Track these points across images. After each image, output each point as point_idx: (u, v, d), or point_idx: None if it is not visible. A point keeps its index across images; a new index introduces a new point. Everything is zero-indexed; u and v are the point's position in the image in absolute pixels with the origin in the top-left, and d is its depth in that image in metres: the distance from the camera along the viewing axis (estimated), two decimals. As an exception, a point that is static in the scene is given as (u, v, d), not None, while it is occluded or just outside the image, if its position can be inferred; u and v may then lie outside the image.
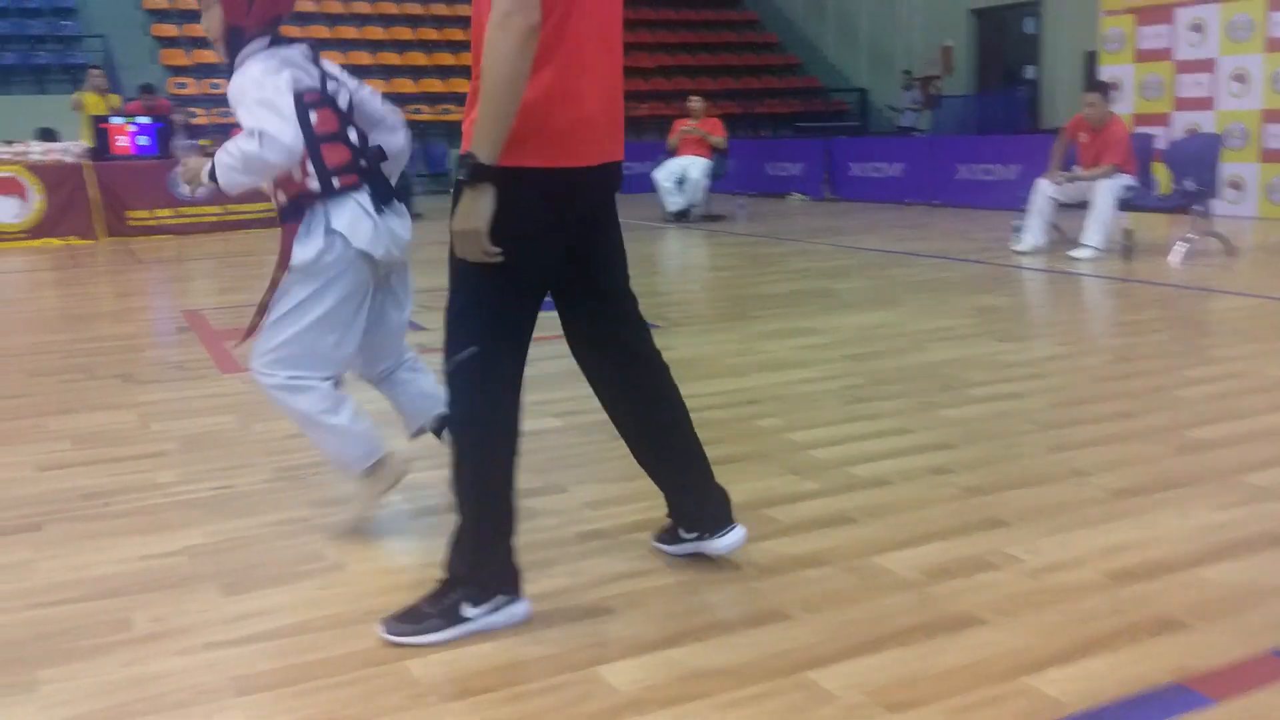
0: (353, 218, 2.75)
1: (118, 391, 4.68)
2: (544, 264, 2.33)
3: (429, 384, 3.05)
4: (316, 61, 2.83)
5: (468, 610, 2.32)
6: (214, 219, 11.75)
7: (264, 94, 2.62)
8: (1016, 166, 11.95)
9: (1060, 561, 2.64)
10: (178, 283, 8.62)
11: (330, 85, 2.84)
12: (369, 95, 2.96)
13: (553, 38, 2.17)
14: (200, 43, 18.88)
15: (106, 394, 4.62)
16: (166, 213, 11.60)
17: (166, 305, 7.47)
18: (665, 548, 2.71)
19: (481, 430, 2.32)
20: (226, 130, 10.99)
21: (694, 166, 11.87)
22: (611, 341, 2.54)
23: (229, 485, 3.37)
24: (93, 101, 12.81)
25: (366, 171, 2.81)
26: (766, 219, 12.33)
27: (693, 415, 3.99)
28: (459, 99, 18.96)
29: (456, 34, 20.77)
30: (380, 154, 2.90)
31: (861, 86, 21.74)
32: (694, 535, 2.64)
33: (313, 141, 2.72)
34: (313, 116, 2.73)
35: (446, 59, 20.31)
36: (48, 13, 18.67)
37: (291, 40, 2.82)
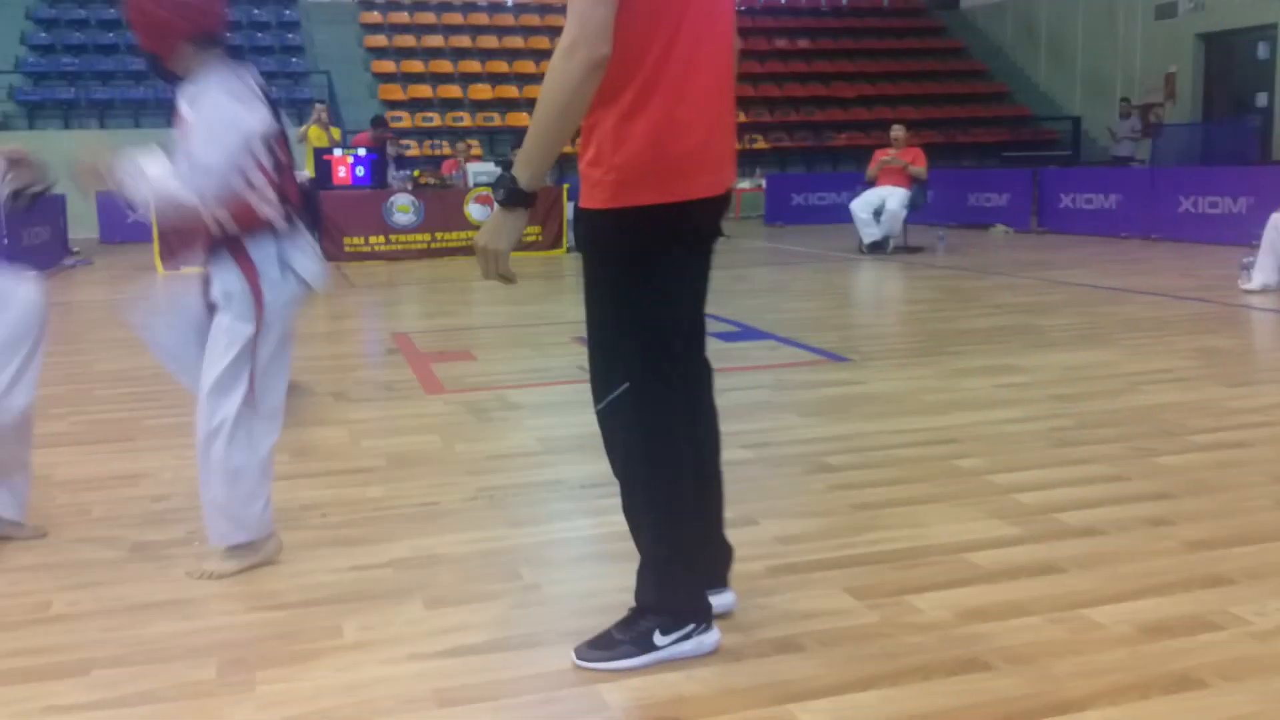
0: (309, 258, 2.81)
1: (331, 408, 4.94)
2: (680, 295, 2.33)
3: None
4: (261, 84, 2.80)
5: (658, 639, 2.33)
6: (422, 246, 12.33)
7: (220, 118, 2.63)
8: (1246, 199, 11.18)
9: (1295, 627, 2.43)
10: (388, 306, 9.07)
11: (278, 113, 2.81)
12: None
13: (658, 69, 2.16)
14: (413, 78, 19.93)
15: (321, 410, 4.89)
16: (379, 240, 12.25)
17: (377, 327, 7.87)
18: None
19: (647, 464, 2.32)
20: (438, 162, 11.50)
21: (892, 197, 11.63)
22: (688, 376, 2.41)
23: (433, 502, 3.51)
24: (316, 134, 13.66)
25: (307, 207, 2.77)
26: (968, 251, 11.97)
27: (887, 453, 3.91)
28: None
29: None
30: (313, 188, 2.89)
31: (1074, 114, 20.87)
32: None
33: (280, 170, 2.74)
34: (275, 147, 2.74)
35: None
36: (278, 50, 20.11)
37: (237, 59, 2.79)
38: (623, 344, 2.29)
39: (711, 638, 2.38)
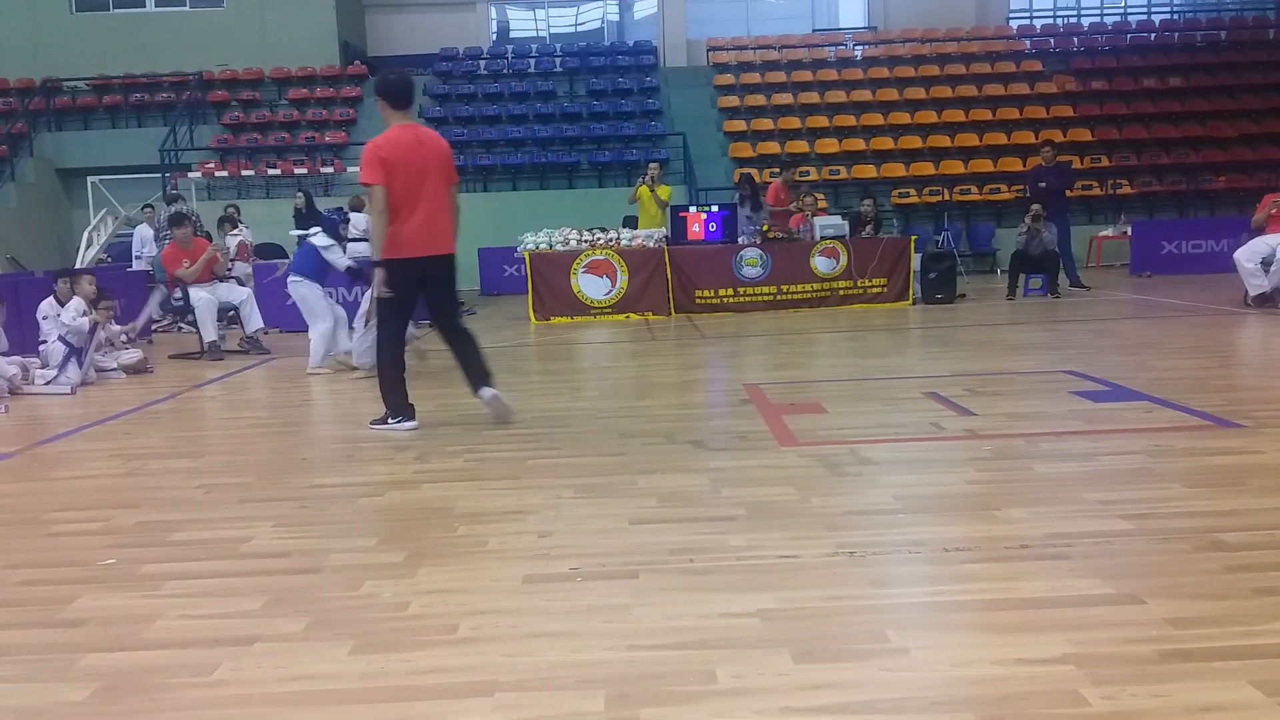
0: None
1: (690, 456, 5.14)
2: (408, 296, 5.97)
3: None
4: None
5: (391, 422, 5.99)
6: (769, 298, 12.56)
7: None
8: None
9: None
10: (737, 357, 9.28)
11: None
12: None
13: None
14: (762, 135, 20.41)
15: (682, 458, 5.10)
16: (728, 292, 12.61)
17: (728, 378, 8.07)
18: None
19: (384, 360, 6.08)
20: (789, 215, 11.58)
21: (1285, 246, 10.53)
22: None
23: (794, 555, 3.56)
24: (645, 193, 13.96)
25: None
26: (1379, 306, 10.58)
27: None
28: (1007, 178, 18.59)
29: (1011, 113, 20.45)
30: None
31: None
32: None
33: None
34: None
35: (999, 139, 20.04)
36: (639, 115, 21.28)
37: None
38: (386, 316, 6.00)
39: (410, 424, 5.99)
